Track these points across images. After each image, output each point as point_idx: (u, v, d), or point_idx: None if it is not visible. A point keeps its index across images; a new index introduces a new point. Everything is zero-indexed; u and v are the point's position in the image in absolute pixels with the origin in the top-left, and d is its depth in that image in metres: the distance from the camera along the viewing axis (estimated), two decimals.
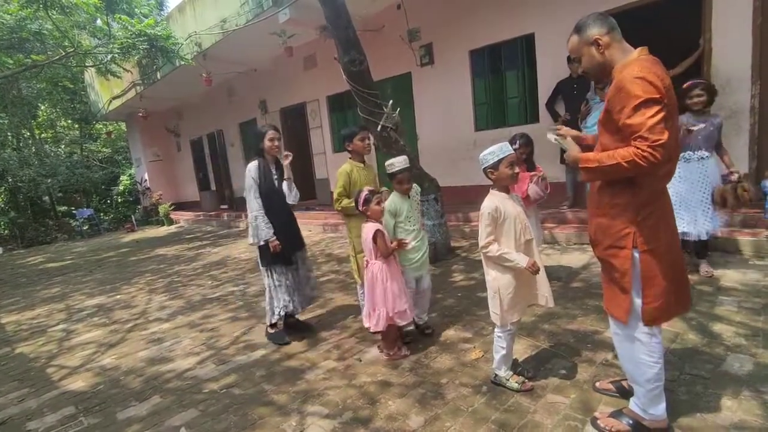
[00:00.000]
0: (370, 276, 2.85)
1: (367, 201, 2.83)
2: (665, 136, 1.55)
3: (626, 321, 1.83)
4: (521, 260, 2.17)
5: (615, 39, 1.74)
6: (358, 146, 3.31)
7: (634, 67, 1.63)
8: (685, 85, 3.41)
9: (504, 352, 2.36)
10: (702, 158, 3.47)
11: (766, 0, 4.37)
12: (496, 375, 2.42)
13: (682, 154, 3.44)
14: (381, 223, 2.89)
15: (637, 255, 1.76)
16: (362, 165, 3.37)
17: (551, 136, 2.03)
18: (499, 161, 2.20)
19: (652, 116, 1.56)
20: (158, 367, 3.27)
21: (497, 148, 2.22)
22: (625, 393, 2.10)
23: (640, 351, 1.83)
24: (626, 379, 2.08)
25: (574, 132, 2.05)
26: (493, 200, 2.24)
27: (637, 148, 1.57)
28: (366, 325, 2.94)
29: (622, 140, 1.67)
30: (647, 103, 1.56)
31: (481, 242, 2.25)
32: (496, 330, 2.37)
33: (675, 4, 5.12)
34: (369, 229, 2.82)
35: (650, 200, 1.74)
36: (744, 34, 4.49)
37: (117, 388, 3.02)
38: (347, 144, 3.32)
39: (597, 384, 2.28)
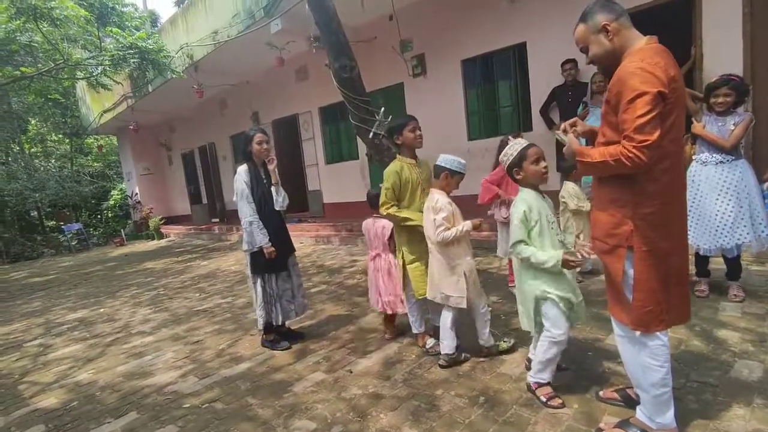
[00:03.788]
0: (387, 267, 3.10)
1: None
2: (654, 135, 1.46)
3: (627, 322, 1.73)
4: (465, 226, 2.54)
5: (624, 25, 1.65)
6: (408, 138, 2.85)
7: (636, 57, 1.56)
8: (712, 80, 3.04)
9: (453, 332, 2.65)
10: (721, 162, 2.98)
11: (755, 7, 4.40)
12: (448, 356, 2.62)
13: (697, 156, 3.14)
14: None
15: (632, 255, 1.66)
16: (414, 162, 2.91)
17: (558, 134, 1.97)
18: (458, 174, 2.61)
19: (643, 114, 1.46)
20: (137, 381, 3.09)
21: (463, 163, 2.60)
22: (631, 402, 1.97)
23: (644, 354, 1.72)
24: (632, 387, 1.95)
25: (588, 126, 1.94)
26: (443, 196, 2.61)
27: (624, 147, 1.50)
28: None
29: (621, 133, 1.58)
30: (641, 96, 1.47)
31: (438, 231, 2.51)
32: (449, 313, 2.63)
33: (666, 12, 5.14)
34: (385, 225, 3.07)
35: (652, 198, 1.62)
36: (734, 40, 4.51)
37: (92, 404, 2.84)
38: (396, 137, 2.88)
39: (601, 393, 2.15)
